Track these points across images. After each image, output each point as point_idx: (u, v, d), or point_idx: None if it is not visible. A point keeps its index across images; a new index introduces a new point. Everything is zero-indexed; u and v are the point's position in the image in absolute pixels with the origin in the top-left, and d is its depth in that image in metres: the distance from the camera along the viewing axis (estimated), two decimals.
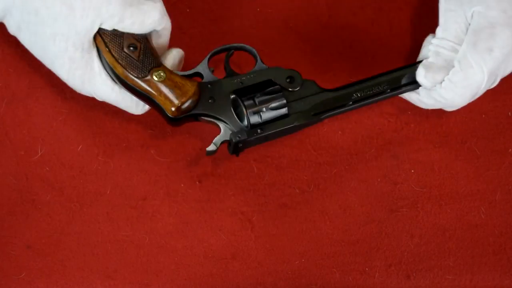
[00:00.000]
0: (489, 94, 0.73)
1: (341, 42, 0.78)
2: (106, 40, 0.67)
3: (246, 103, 0.68)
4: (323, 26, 0.79)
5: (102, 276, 0.72)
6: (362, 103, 0.70)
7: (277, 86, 0.69)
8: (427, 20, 0.77)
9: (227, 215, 0.73)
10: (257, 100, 0.68)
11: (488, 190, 0.75)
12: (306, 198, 0.74)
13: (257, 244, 0.73)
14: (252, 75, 0.69)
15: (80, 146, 0.73)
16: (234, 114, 0.68)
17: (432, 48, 0.70)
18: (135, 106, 0.70)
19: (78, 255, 0.72)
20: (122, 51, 0.67)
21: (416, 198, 0.75)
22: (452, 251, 0.74)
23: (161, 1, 0.68)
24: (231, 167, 0.74)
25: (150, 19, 0.67)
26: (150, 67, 0.67)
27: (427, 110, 0.75)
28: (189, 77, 0.69)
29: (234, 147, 0.68)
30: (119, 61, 0.67)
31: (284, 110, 0.68)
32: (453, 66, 0.69)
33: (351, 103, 0.70)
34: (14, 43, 0.71)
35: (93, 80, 0.68)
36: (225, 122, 0.68)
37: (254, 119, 0.67)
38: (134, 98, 0.69)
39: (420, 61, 0.71)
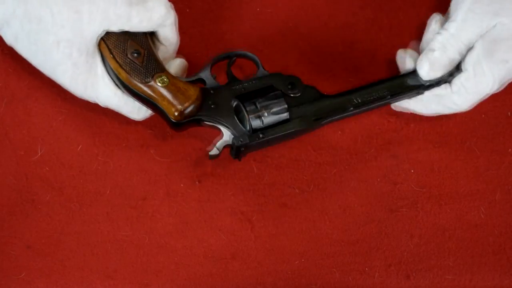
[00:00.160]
0: None
1: (341, 42, 0.78)
2: (110, 47, 0.67)
3: (248, 107, 0.68)
4: (323, 26, 0.79)
5: (102, 276, 0.72)
6: (362, 108, 0.71)
7: (279, 91, 0.69)
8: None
9: (227, 215, 0.73)
10: (259, 105, 0.68)
11: (488, 190, 0.75)
12: (306, 198, 0.74)
13: (257, 244, 0.73)
14: (253, 81, 0.70)
15: (80, 146, 0.73)
16: (236, 119, 0.69)
17: (440, 39, 0.69)
18: (137, 111, 0.70)
19: (78, 255, 0.72)
20: (126, 57, 0.67)
21: (416, 198, 0.75)
22: (452, 251, 0.74)
23: None
24: (231, 167, 0.74)
25: (157, 14, 0.67)
26: (153, 73, 0.68)
27: None
28: (192, 83, 0.69)
29: (236, 151, 0.69)
30: (123, 67, 0.67)
31: (285, 115, 0.69)
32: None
33: (351, 108, 0.70)
34: None
35: (96, 84, 0.68)
36: (227, 127, 0.69)
37: (256, 123, 0.68)
38: (136, 103, 0.69)
39: (417, 64, 0.71)
